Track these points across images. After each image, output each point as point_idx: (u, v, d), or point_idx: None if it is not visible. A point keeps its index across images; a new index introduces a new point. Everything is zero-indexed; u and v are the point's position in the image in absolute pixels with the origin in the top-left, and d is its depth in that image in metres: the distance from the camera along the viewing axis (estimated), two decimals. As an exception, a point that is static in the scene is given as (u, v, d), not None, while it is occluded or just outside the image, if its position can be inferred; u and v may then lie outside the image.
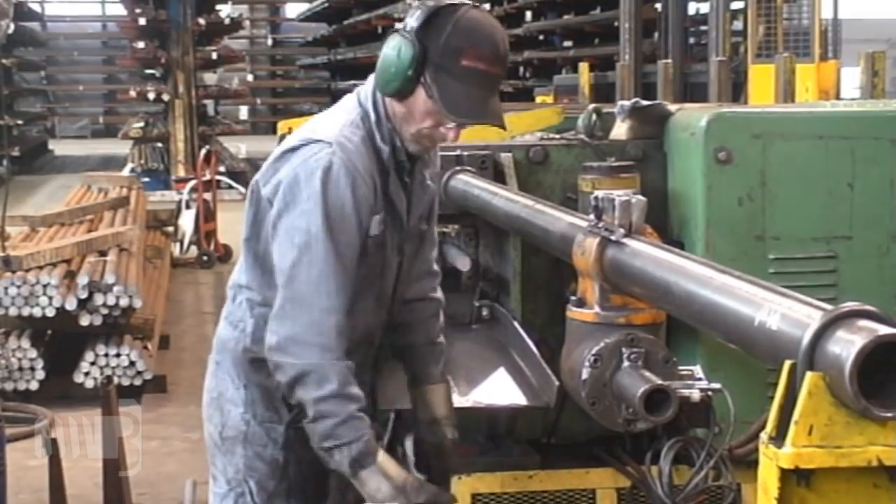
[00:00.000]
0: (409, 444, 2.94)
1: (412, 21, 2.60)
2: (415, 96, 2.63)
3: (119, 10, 29.68)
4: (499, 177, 3.47)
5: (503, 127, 2.76)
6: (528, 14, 25.57)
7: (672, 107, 3.58)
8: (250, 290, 2.82)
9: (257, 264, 2.79)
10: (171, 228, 12.03)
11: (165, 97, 19.05)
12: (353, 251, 2.65)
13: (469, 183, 3.40)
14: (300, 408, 2.73)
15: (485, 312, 3.53)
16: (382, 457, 2.65)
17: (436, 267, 3.01)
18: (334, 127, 2.70)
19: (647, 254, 2.34)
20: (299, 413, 2.76)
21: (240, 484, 2.89)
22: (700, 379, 2.49)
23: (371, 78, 2.75)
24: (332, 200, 2.60)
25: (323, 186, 2.60)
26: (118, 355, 7.00)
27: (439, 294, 3.00)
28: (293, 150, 2.69)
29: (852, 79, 16.29)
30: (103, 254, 7.69)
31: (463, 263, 3.41)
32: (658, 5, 17.96)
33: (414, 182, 2.79)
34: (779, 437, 1.65)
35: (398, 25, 2.68)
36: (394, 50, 2.62)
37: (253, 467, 2.87)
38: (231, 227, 11.70)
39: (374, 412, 2.93)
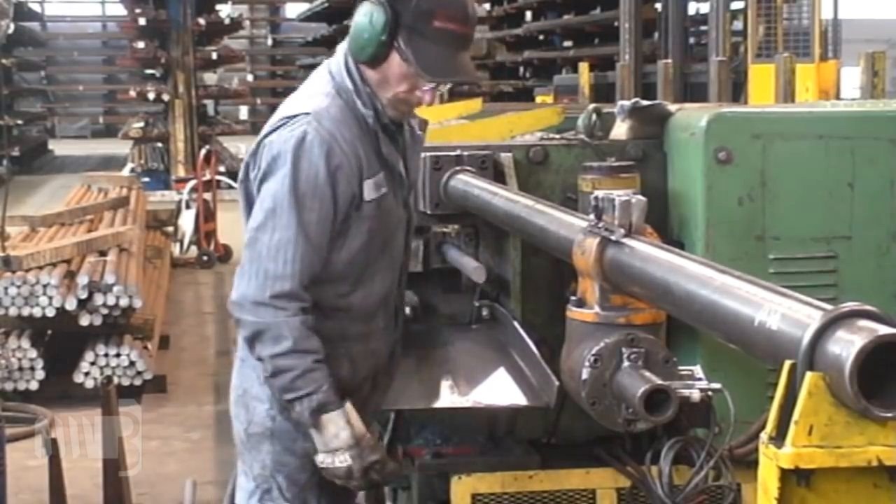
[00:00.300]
0: None
1: None
2: (389, 62, 2.71)
3: (119, 10, 29.72)
4: (499, 177, 3.47)
5: (478, 83, 2.94)
6: (528, 14, 25.57)
7: (672, 107, 3.58)
8: None
9: None
10: (171, 228, 12.04)
11: (165, 97, 19.06)
12: (323, 222, 2.73)
13: (469, 183, 3.40)
14: None
15: (485, 312, 3.53)
16: (348, 406, 2.73)
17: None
18: (310, 100, 2.78)
19: (647, 254, 2.33)
20: None
21: (266, 480, 2.91)
22: (700, 379, 2.49)
23: (340, 50, 2.83)
24: (304, 170, 2.69)
25: (295, 156, 2.68)
26: (118, 355, 7.00)
27: None
28: (275, 130, 2.76)
29: (852, 79, 16.30)
30: (103, 254, 7.69)
31: (479, 275, 3.40)
32: (658, 5, 17.97)
33: (404, 138, 2.90)
34: (779, 437, 1.65)
35: None
36: (365, 17, 2.70)
37: (282, 462, 2.89)
38: (231, 227, 11.71)
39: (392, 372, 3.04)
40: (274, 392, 2.77)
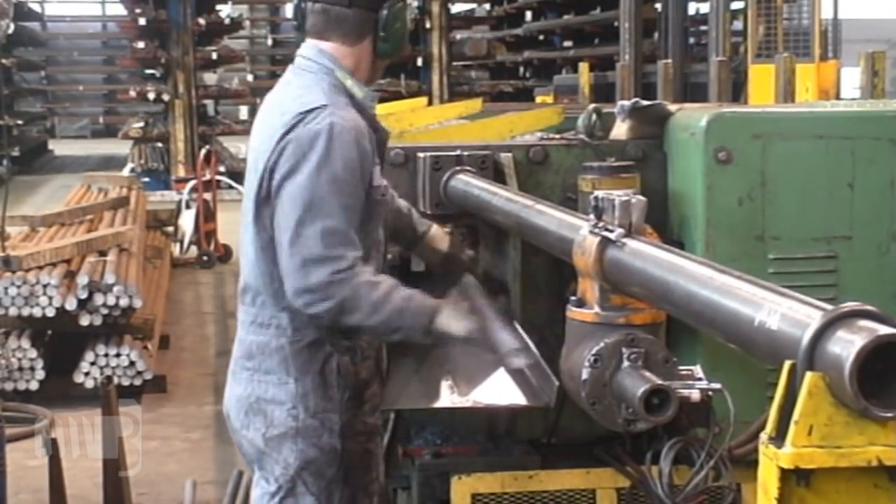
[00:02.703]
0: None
1: None
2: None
3: (119, 10, 29.71)
4: (499, 177, 3.47)
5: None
6: (528, 14, 25.58)
7: (672, 107, 3.58)
8: (272, 284, 2.89)
9: (271, 259, 2.87)
10: (171, 228, 12.03)
11: (165, 97, 19.06)
12: (359, 206, 2.82)
13: (469, 183, 3.40)
14: (353, 389, 2.94)
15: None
16: (441, 308, 2.85)
17: None
18: (319, 94, 2.86)
19: (647, 254, 2.33)
20: (352, 399, 2.95)
21: (290, 480, 2.94)
22: (700, 379, 2.49)
23: (307, 49, 2.96)
24: (339, 158, 2.76)
25: (328, 146, 2.75)
26: (118, 355, 7.00)
27: None
28: (292, 128, 2.81)
29: (852, 79, 16.30)
30: (103, 254, 7.69)
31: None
32: (658, 5, 17.97)
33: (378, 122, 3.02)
34: (779, 437, 1.65)
35: None
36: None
37: (308, 458, 2.93)
38: (231, 227, 11.67)
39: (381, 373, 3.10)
40: (385, 340, 2.92)
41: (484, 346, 2.90)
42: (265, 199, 2.85)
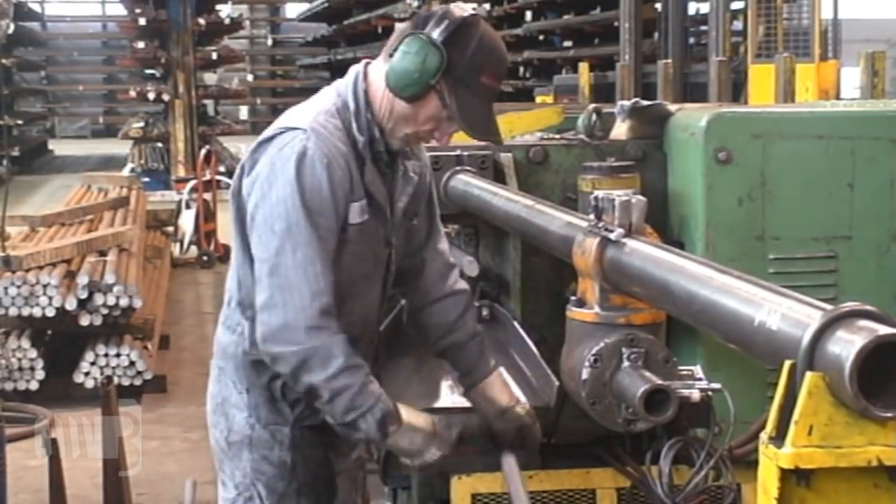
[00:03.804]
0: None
1: (436, 30, 2.63)
2: (425, 101, 2.67)
3: (119, 10, 29.70)
4: (499, 177, 3.47)
5: (501, 143, 2.98)
6: (528, 14, 25.56)
7: (672, 107, 3.58)
8: (240, 291, 2.83)
9: (246, 264, 2.78)
10: (171, 228, 12.04)
11: (165, 97, 19.07)
12: (332, 236, 2.66)
13: (469, 183, 3.40)
14: (305, 405, 2.77)
15: (485, 312, 3.52)
16: (404, 412, 2.68)
17: (452, 258, 3.05)
18: (309, 114, 2.73)
19: (647, 254, 2.33)
20: (303, 411, 2.80)
21: (248, 488, 2.89)
22: (700, 379, 2.49)
23: (353, 71, 2.79)
24: (309, 184, 2.62)
25: (297, 172, 2.62)
26: (118, 355, 7.01)
27: (464, 285, 3.03)
28: (269, 140, 2.71)
29: (852, 79, 16.28)
30: (103, 254, 7.70)
31: (471, 269, 3.41)
32: (658, 5, 17.95)
33: (395, 173, 2.82)
34: (779, 437, 1.65)
35: (411, 28, 2.69)
36: (419, 56, 2.64)
37: (260, 470, 2.87)
38: (231, 227, 11.71)
39: None
40: (335, 417, 2.64)
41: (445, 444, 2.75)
42: (237, 201, 2.77)
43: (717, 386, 2.45)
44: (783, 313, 1.76)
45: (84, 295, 6.95)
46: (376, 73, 2.74)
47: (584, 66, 17.78)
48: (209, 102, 21.51)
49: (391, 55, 2.68)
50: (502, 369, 2.99)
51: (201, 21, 19.24)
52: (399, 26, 2.86)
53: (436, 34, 2.62)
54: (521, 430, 2.88)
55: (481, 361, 2.94)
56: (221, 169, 15.81)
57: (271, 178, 2.64)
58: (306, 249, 2.60)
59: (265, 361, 2.70)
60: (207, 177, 12.35)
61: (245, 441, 2.88)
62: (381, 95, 2.72)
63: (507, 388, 2.94)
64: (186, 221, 11.94)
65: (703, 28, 17.52)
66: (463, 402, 3.03)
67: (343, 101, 2.75)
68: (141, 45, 19.36)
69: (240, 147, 20.69)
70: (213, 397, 2.96)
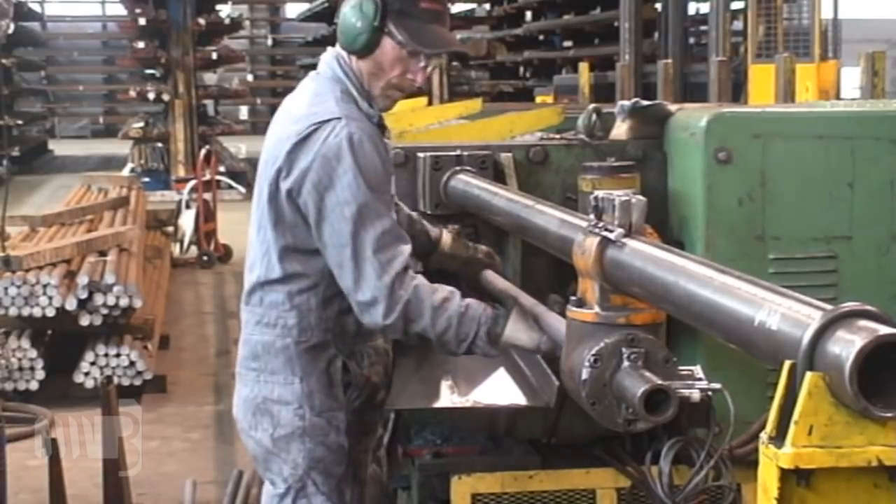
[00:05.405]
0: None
1: None
2: (381, 48, 2.85)
3: (119, 10, 29.71)
4: (499, 177, 3.47)
5: (466, 53, 3.23)
6: (528, 14, 25.55)
7: (672, 107, 3.58)
8: (286, 282, 2.90)
9: (293, 256, 2.88)
10: (171, 228, 12.03)
11: (165, 97, 19.06)
12: (392, 208, 2.88)
13: (469, 183, 3.41)
14: (357, 388, 2.97)
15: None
16: (509, 319, 2.81)
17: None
18: (331, 104, 2.85)
19: (647, 254, 2.33)
20: (351, 394, 2.97)
21: (299, 479, 2.96)
22: (700, 379, 2.48)
23: (327, 58, 2.95)
24: (365, 165, 2.78)
25: (353, 156, 2.76)
26: (118, 355, 7.00)
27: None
28: (306, 138, 2.80)
29: (852, 79, 16.29)
30: (103, 254, 7.69)
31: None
32: (658, 5, 17.95)
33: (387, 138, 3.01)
34: (779, 437, 1.65)
35: None
36: (354, 8, 2.85)
37: (317, 458, 2.94)
38: (231, 227, 11.71)
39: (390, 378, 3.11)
40: (454, 351, 2.82)
41: (552, 356, 2.85)
42: (274, 202, 2.85)
43: (717, 386, 2.45)
44: (783, 313, 1.76)
45: (84, 295, 6.95)
46: (341, 50, 2.93)
47: (584, 66, 17.77)
48: (209, 102, 21.49)
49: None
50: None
51: (201, 21, 19.23)
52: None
53: None
54: (488, 256, 3.29)
55: (431, 228, 3.29)
56: (221, 169, 15.83)
57: (327, 168, 2.77)
58: (379, 223, 2.77)
59: (325, 346, 2.89)
60: (207, 177, 12.35)
61: (296, 432, 2.93)
62: (351, 66, 2.90)
63: (456, 241, 3.28)
64: (186, 221, 11.94)
65: (703, 28, 17.52)
66: (463, 402, 3.03)
67: (342, 86, 2.89)
68: (141, 45, 19.35)
69: (240, 147, 20.70)
70: (250, 400, 2.99)
